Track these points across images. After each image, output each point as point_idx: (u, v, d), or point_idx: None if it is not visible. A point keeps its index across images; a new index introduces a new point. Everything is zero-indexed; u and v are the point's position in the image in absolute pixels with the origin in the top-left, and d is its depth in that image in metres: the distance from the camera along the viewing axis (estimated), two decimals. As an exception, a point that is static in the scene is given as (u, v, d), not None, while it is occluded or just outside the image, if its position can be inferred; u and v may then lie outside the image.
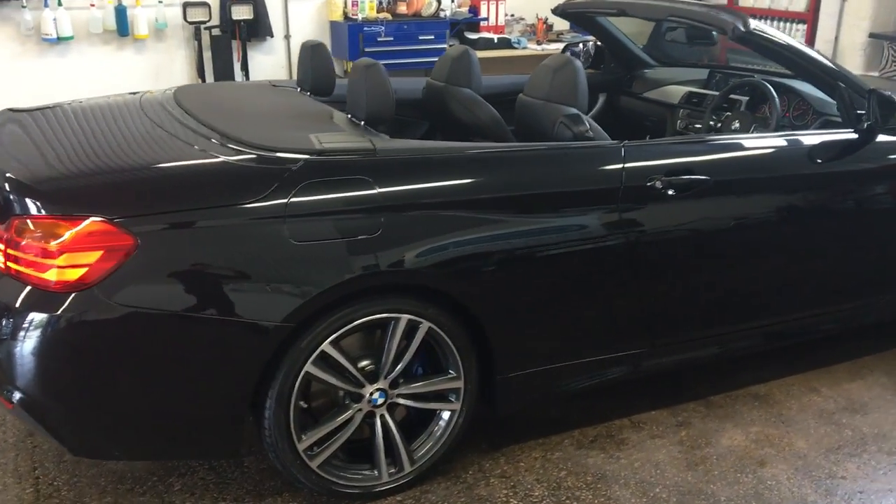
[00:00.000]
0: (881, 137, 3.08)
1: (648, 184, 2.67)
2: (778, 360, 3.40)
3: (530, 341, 2.66)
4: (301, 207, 2.26)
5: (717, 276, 2.90)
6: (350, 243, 2.30)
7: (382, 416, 2.52)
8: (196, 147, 2.43)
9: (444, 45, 7.59)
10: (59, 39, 6.34)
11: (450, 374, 2.57)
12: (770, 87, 3.38)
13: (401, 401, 2.53)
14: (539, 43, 7.75)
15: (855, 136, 3.05)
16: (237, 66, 7.00)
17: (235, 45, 6.89)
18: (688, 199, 2.74)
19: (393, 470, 2.57)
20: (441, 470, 2.70)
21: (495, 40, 7.54)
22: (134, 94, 3.19)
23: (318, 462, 2.45)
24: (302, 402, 2.42)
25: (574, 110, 2.90)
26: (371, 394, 2.48)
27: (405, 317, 2.43)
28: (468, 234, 2.44)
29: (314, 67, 3.33)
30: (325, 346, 2.35)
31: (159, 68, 6.81)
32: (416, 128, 4.01)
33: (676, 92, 4.08)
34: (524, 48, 7.63)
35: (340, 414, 2.46)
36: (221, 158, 2.35)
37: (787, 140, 3.07)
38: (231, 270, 2.21)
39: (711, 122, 3.64)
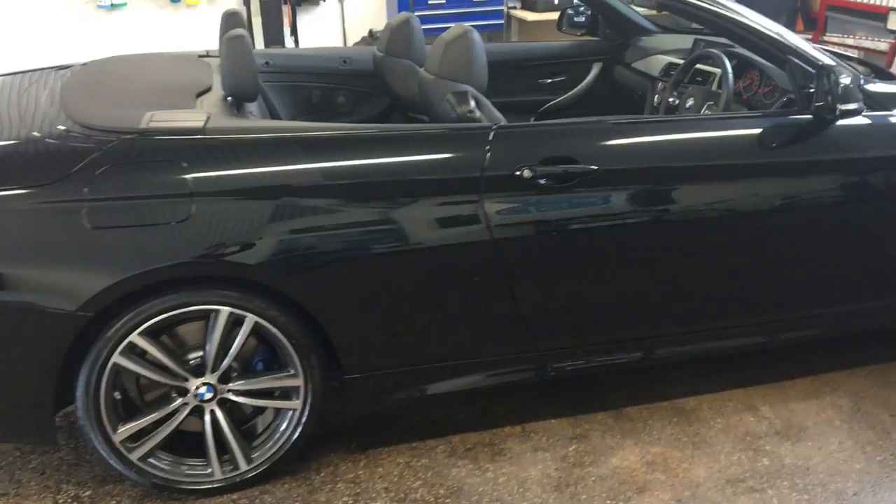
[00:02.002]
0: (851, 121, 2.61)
1: (517, 173, 2.38)
2: (727, 371, 3.02)
3: (381, 342, 2.45)
4: (102, 191, 2.15)
5: (610, 279, 2.57)
6: (153, 231, 2.17)
7: (213, 412, 2.40)
8: (29, 125, 2.37)
9: (501, 8, 7.29)
10: (113, 6, 6.55)
11: (289, 371, 2.41)
12: (725, 59, 2.94)
13: (232, 396, 2.40)
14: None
15: (806, 120, 2.61)
16: (287, 31, 6.97)
17: (287, 10, 6.87)
18: (569, 191, 2.42)
19: (229, 467, 2.46)
20: (292, 469, 2.56)
21: (556, 1, 7.13)
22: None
23: (138, 454, 2.37)
24: (116, 394, 2.33)
25: (463, 87, 2.62)
26: (197, 388, 2.36)
27: (225, 310, 2.29)
28: (301, 225, 2.26)
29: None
30: (134, 336, 2.25)
31: (210, 33, 6.88)
32: (378, 102, 3.83)
33: (658, 62, 3.66)
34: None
35: (161, 407, 2.37)
36: (34, 137, 2.28)
37: (716, 123, 2.67)
38: (27, 256, 2.14)
39: (671, 100, 3.23)
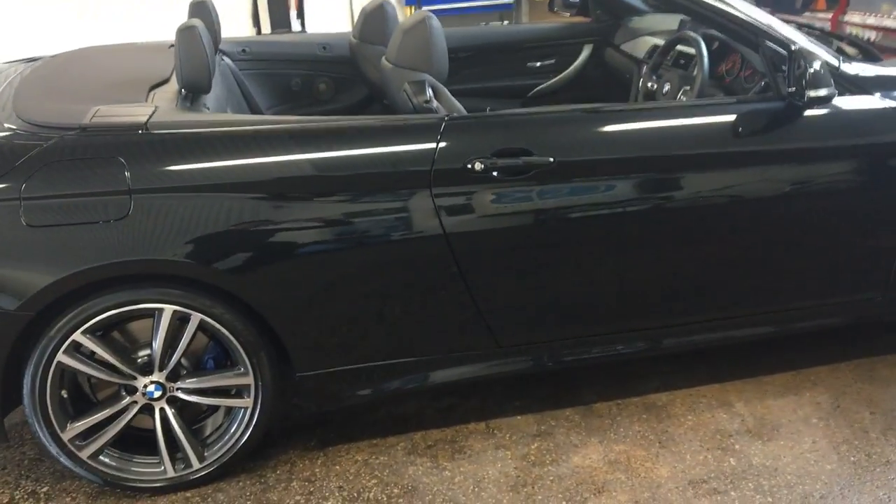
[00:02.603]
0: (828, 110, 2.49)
1: (468, 166, 2.30)
2: (705, 366, 2.92)
3: (333, 339, 2.40)
4: (39, 189, 2.13)
5: (570, 274, 2.48)
6: (91, 229, 2.14)
7: (163, 410, 2.38)
8: None
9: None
10: (118, -10, 6.53)
11: (239, 369, 2.38)
12: (701, 42, 2.82)
13: (181, 395, 2.38)
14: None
15: (778, 106, 2.49)
16: (293, 15, 6.93)
17: (292, -7, 6.82)
18: (525, 183, 2.34)
19: (182, 465, 2.44)
20: (249, 466, 2.54)
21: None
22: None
23: (88, 452, 2.36)
24: (63, 392, 2.32)
25: (421, 76, 2.55)
26: (145, 386, 2.34)
27: (169, 308, 2.26)
28: (244, 221, 2.22)
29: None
30: (78, 335, 2.23)
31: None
32: (359, 90, 3.76)
33: (645, 44, 3.54)
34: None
35: (111, 405, 2.35)
36: None
37: (681, 111, 2.55)
38: (-35, 255, 2.13)
39: (650, 84, 3.12)
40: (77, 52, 3.15)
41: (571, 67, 3.96)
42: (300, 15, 6.91)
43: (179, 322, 2.29)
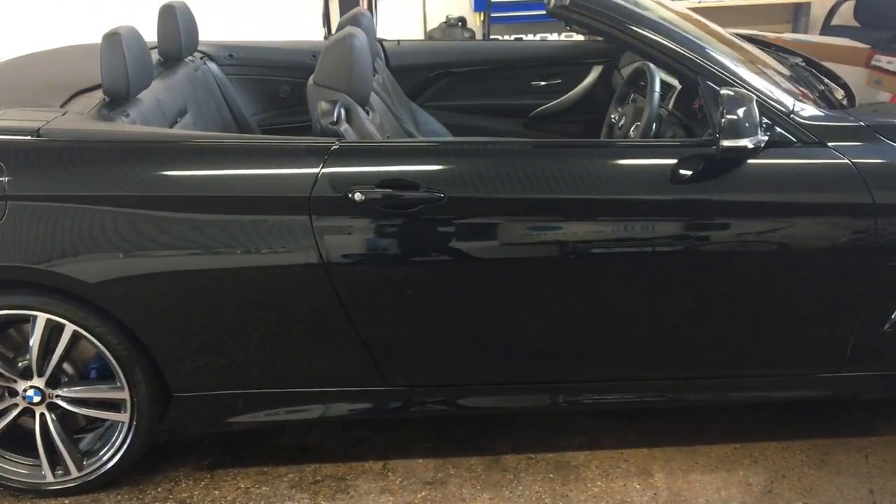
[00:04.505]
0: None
1: (349, 195, 2.18)
2: (642, 426, 2.68)
3: (207, 362, 2.34)
4: (-77, 188, 2.17)
5: (457, 317, 2.31)
6: (-40, 233, 2.17)
7: (42, 415, 2.38)
8: None
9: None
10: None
11: (115, 383, 2.35)
12: (655, 74, 2.56)
13: (60, 402, 2.37)
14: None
15: (707, 154, 2.22)
16: (363, 17, 6.92)
17: (365, -7, 6.83)
18: (412, 217, 2.19)
19: (60, 472, 2.44)
20: (134, 480, 2.52)
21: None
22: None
23: (-28, 450, 2.39)
24: (-59, 389, 2.36)
25: (339, 96, 2.45)
26: (25, 390, 2.35)
27: (43, 316, 2.26)
28: (117, 235, 2.18)
29: (165, 28, 3.12)
30: (-44, 335, 2.26)
31: (287, 17, 6.97)
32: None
33: (638, 72, 3.27)
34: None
35: (-8, 406, 2.38)
36: None
37: (596, 151, 2.32)
38: None
39: (612, 116, 2.87)
40: (49, 51, 3.22)
41: (577, 88, 3.74)
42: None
43: (54, 331, 2.29)
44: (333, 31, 7.15)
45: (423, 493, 2.44)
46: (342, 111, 2.42)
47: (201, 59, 3.47)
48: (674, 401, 2.48)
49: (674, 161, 2.20)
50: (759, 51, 2.84)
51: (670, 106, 2.79)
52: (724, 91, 2.13)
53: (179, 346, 2.31)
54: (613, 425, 2.69)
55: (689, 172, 2.19)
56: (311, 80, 2.58)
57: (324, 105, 2.41)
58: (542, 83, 3.79)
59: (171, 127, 2.87)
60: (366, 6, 6.95)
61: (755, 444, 2.60)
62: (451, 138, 2.51)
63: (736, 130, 2.07)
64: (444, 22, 6.86)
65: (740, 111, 2.08)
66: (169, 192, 2.20)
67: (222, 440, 2.68)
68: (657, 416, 2.71)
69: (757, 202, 2.21)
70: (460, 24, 6.67)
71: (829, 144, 2.24)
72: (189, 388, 2.37)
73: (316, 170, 2.20)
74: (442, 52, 3.89)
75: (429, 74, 3.76)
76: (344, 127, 2.39)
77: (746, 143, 2.08)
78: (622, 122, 2.75)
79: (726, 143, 2.08)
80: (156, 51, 3.15)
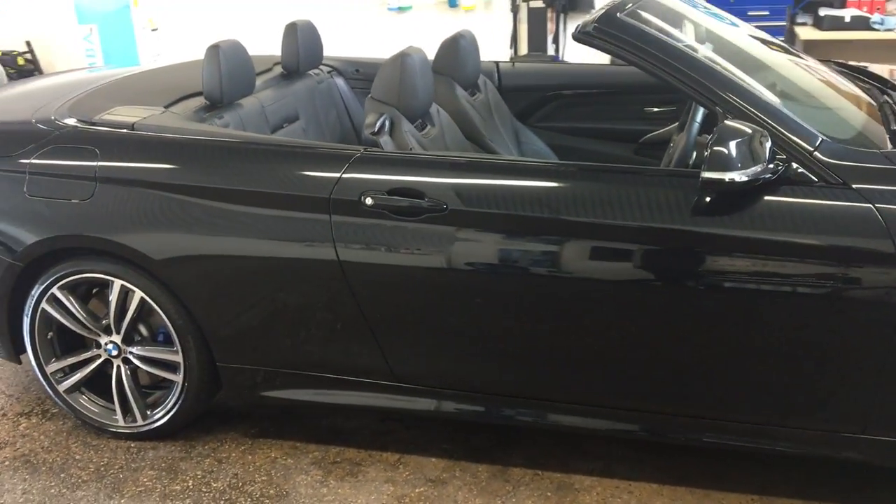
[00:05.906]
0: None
1: (361, 199, 2.38)
2: (662, 462, 2.62)
3: (247, 338, 2.63)
4: (39, 167, 2.66)
5: (456, 323, 2.42)
6: (64, 205, 2.62)
7: (118, 367, 2.80)
8: (25, 110, 2.95)
9: (783, 23, 6.58)
10: (401, 9, 7.30)
11: (173, 347, 2.72)
12: (697, 105, 2.50)
13: (132, 358, 2.78)
14: (913, 24, 6.15)
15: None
16: (549, 39, 7.10)
17: (551, 16, 7.00)
18: (417, 224, 2.35)
19: (130, 419, 2.85)
20: (189, 435, 2.87)
21: (847, 19, 6.24)
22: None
23: (64, 386, 2.86)
24: (49, 334, 2.83)
25: (387, 109, 2.67)
26: (106, 344, 2.78)
27: (118, 282, 2.67)
28: (177, 218, 2.55)
29: (287, 45, 3.49)
30: (56, 290, 2.73)
31: (480, 38, 7.27)
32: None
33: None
34: (889, 30, 6.15)
35: (82, 353, 2.83)
36: (18, 120, 2.85)
37: (605, 175, 2.32)
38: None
39: (671, 146, 2.81)
40: (189, 62, 3.69)
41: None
42: (555, 39, 7.05)
43: (127, 296, 2.69)
44: (520, 52, 7.38)
45: (421, 490, 2.56)
46: (386, 123, 2.63)
47: (329, 72, 3.82)
48: (692, 440, 2.41)
49: (668, 190, 2.18)
50: (841, 85, 2.67)
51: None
52: (726, 122, 2.08)
53: (223, 320, 2.62)
54: (633, 455, 2.65)
55: (678, 202, 2.16)
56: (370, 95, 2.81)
57: (370, 117, 2.64)
58: (656, 109, 3.74)
59: (273, 132, 3.22)
60: (551, 29, 7.10)
61: (775, 500, 2.45)
62: (455, 153, 2.65)
63: (720, 163, 2.01)
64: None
65: (732, 144, 2.02)
66: (221, 184, 2.52)
67: (271, 415, 2.96)
68: (682, 453, 2.63)
69: (748, 238, 2.12)
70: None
71: (855, 186, 2.09)
72: (230, 360, 2.67)
73: (338, 174, 2.42)
74: (555, 74, 3.96)
75: (541, 95, 3.84)
76: (384, 138, 2.60)
77: (728, 176, 2.01)
78: (671, 148, 2.70)
79: (706, 174, 2.03)
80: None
